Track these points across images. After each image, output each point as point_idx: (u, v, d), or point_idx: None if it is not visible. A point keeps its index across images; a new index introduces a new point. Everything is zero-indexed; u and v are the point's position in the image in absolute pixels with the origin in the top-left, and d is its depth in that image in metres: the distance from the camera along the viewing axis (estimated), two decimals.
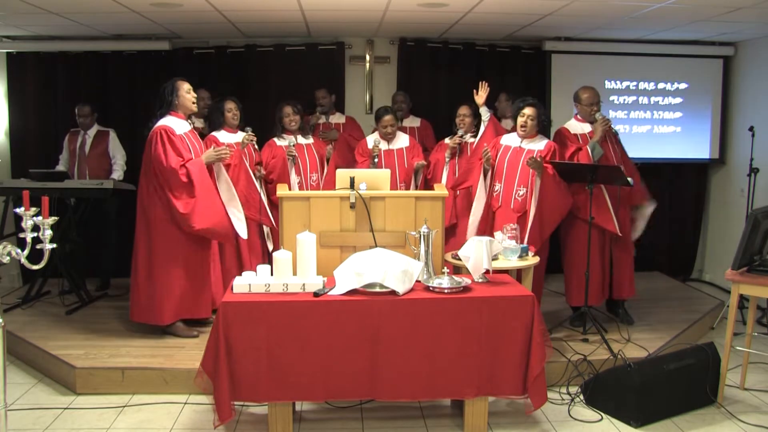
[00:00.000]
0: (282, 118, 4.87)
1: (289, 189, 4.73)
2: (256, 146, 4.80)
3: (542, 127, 4.43)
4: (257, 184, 4.68)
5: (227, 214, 4.29)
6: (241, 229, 4.43)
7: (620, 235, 4.49)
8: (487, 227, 4.45)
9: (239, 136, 4.73)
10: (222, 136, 4.71)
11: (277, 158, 4.80)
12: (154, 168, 4.12)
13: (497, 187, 4.43)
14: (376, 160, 4.88)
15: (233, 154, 4.52)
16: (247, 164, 4.64)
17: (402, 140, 5.09)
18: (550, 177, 4.24)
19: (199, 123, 5.04)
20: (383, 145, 4.98)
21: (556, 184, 4.26)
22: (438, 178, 4.93)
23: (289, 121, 4.85)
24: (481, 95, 4.62)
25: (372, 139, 5.04)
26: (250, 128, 4.68)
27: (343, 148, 5.31)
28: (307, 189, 4.81)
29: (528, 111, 4.34)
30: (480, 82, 4.63)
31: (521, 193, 4.33)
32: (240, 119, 4.79)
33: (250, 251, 4.72)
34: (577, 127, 4.62)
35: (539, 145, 4.37)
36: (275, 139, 4.89)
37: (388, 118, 4.95)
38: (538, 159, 4.20)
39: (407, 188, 4.97)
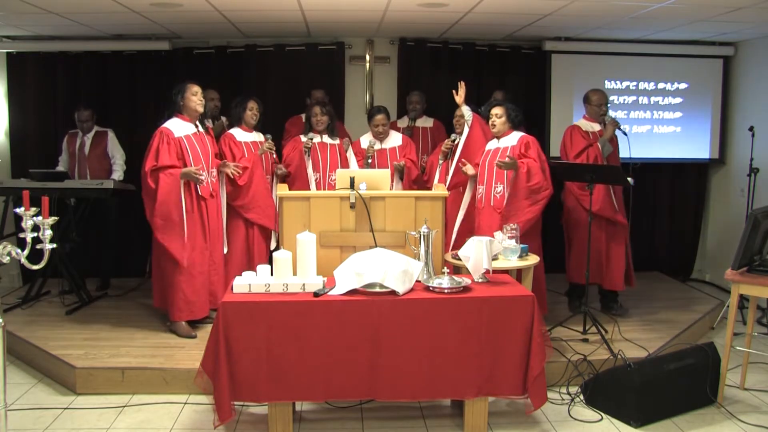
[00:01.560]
0: (310, 118, 4.94)
1: (306, 184, 4.79)
2: (275, 155, 4.86)
3: (515, 123, 4.52)
4: (271, 190, 4.72)
5: (181, 235, 4.25)
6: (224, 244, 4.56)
7: (626, 223, 4.80)
8: (470, 228, 4.55)
9: (255, 136, 4.78)
10: (238, 134, 4.75)
11: (296, 151, 4.86)
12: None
13: (480, 189, 4.52)
14: (369, 161, 4.91)
15: (249, 158, 4.57)
16: (264, 169, 4.69)
17: (394, 139, 5.10)
18: (523, 175, 4.27)
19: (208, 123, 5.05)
20: (376, 145, 4.99)
21: (529, 178, 4.27)
22: (432, 179, 4.94)
23: (316, 122, 4.90)
24: (460, 95, 4.61)
25: (366, 139, 5.06)
26: (270, 136, 4.75)
27: None
28: (324, 188, 4.83)
29: (494, 110, 4.50)
30: (459, 82, 4.63)
31: (499, 190, 4.39)
32: (259, 120, 4.83)
33: (258, 250, 4.73)
34: (587, 125, 4.90)
35: (512, 140, 4.45)
36: (301, 136, 4.95)
37: (379, 117, 4.98)
38: (507, 160, 4.25)
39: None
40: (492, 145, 4.57)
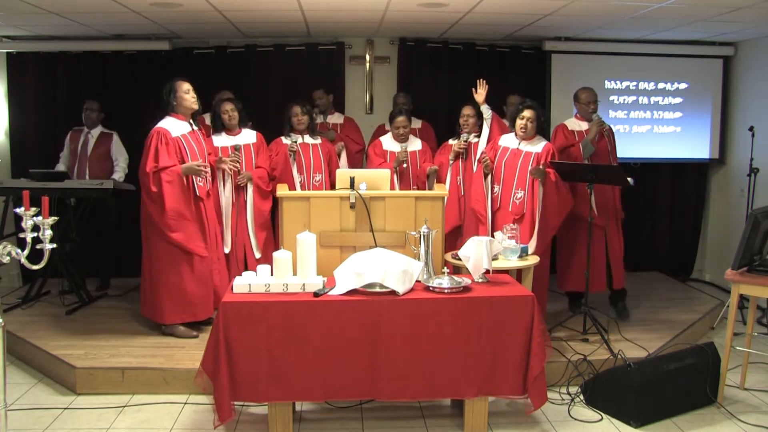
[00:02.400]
0: (290, 118, 4.88)
1: (292, 187, 4.74)
2: (240, 168, 4.60)
3: (541, 128, 4.48)
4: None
5: (199, 229, 4.25)
6: (226, 242, 4.57)
7: (596, 214, 4.63)
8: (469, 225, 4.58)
9: (242, 137, 4.72)
10: (220, 139, 4.70)
11: (280, 155, 4.81)
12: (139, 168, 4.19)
13: (496, 189, 4.45)
14: (405, 165, 4.85)
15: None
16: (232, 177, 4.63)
17: (415, 143, 5.07)
18: (552, 184, 4.27)
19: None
20: (396, 147, 4.95)
21: (558, 189, 4.29)
22: (442, 180, 4.92)
23: (297, 121, 4.86)
24: (480, 93, 4.59)
25: (388, 140, 5.02)
26: (240, 146, 4.59)
27: None
28: (309, 189, 4.80)
29: (527, 113, 4.37)
30: (478, 80, 4.62)
31: (519, 195, 4.34)
32: (240, 119, 4.75)
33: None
34: (575, 125, 4.87)
35: (537, 147, 4.38)
36: (282, 138, 4.90)
37: (401, 119, 4.94)
38: (540, 167, 4.22)
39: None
40: (510, 143, 4.46)
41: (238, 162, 4.55)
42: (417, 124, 5.67)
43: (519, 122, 4.39)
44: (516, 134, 4.45)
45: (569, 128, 4.83)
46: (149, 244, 4.28)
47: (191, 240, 4.19)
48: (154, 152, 4.10)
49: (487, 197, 4.45)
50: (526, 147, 4.39)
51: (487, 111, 4.63)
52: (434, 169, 4.91)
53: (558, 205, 4.32)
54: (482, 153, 4.47)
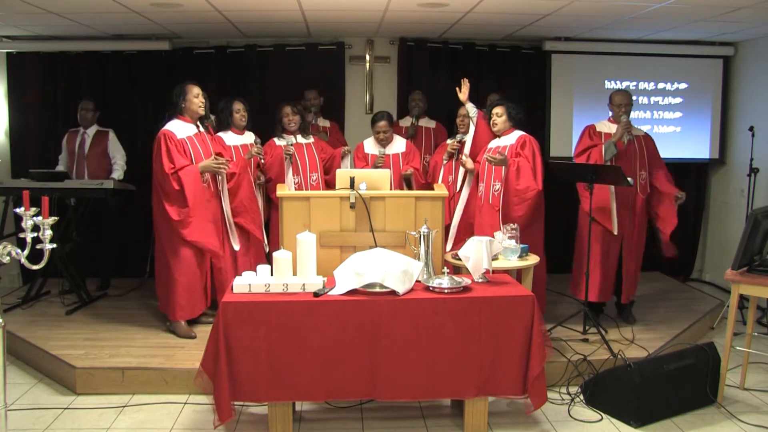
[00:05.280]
0: (281, 119, 4.86)
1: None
2: (262, 160, 4.76)
3: (516, 121, 4.54)
4: (258, 196, 4.71)
5: (215, 228, 4.32)
6: (234, 240, 4.54)
7: (615, 233, 4.65)
8: (467, 225, 4.61)
9: (246, 138, 4.75)
10: (229, 137, 4.72)
11: (275, 157, 4.78)
12: (153, 171, 4.23)
13: (480, 187, 4.55)
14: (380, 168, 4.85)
15: (238, 162, 4.53)
16: (251, 174, 4.66)
17: (398, 145, 5.04)
18: (512, 172, 4.32)
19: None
20: (378, 150, 4.96)
21: (518, 177, 4.32)
22: (437, 179, 4.92)
23: (288, 122, 4.84)
24: (463, 92, 4.60)
25: (369, 144, 5.03)
26: (260, 141, 4.73)
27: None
28: (306, 189, 4.79)
29: (496, 110, 4.53)
30: (462, 79, 4.62)
31: (497, 188, 4.40)
32: (247, 120, 4.80)
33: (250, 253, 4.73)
34: (604, 126, 4.82)
35: (512, 138, 4.49)
36: (275, 139, 4.87)
37: (382, 124, 4.92)
38: (497, 156, 4.30)
39: None
40: (493, 143, 4.59)
41: (261, 153, 4.66)
42: (431, 124, 5.69)
43: (491, 121, 4.55)
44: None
45: (597, 129, 4.77)
46: (161, 242, 4.33)
47: (208, 239, 4.23)
48: (167, 154, 4.14)
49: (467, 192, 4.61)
50: (503, 142, 4.53)
51: (472, 109, 4.64)
52: (409, 173, 4.90)
53: (517, 192, 4.31)
54: (462, 157, 4.60)
